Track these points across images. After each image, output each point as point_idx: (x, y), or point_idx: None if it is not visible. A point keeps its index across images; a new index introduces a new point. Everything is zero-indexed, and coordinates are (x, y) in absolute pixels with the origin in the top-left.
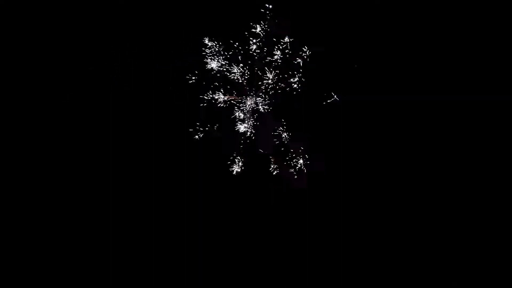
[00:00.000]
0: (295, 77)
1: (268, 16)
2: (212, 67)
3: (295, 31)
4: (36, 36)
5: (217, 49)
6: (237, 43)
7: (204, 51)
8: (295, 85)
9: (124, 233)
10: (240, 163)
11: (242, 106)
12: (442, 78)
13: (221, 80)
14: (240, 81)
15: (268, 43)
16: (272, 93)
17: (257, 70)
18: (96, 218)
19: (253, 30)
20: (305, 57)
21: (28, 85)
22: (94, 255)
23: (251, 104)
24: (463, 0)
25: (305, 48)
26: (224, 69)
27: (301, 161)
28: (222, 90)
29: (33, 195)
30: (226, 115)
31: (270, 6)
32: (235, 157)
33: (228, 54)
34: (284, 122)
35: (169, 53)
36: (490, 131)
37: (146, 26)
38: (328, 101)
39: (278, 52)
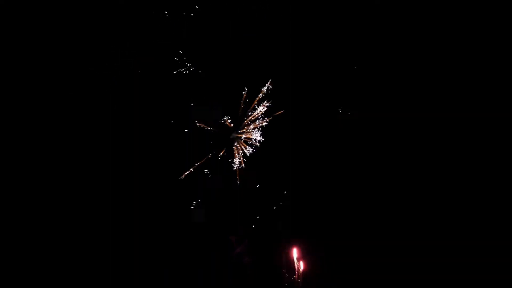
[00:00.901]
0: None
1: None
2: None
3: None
4: (36, 36)
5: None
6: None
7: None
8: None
9: (123, 233)
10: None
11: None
12: (443, 79)
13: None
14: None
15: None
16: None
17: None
18: (95, 218)
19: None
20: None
21: (28, 85)
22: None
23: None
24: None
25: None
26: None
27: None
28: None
29: (33, 194)
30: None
31: None
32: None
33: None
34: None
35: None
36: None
37: (146, 26)
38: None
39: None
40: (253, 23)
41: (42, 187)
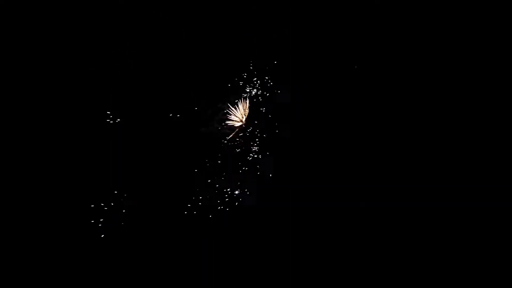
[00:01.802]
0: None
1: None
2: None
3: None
4: (36, 36)
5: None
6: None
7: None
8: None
9: (121, 234)
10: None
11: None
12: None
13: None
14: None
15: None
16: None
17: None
18: (94, 219)
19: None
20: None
21: (28, 85)
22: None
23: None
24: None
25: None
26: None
27: None
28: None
29: (32, 195)
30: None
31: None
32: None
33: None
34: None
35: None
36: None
37: (146, 26)
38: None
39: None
40: (253, 23)
41: (41, 186)
